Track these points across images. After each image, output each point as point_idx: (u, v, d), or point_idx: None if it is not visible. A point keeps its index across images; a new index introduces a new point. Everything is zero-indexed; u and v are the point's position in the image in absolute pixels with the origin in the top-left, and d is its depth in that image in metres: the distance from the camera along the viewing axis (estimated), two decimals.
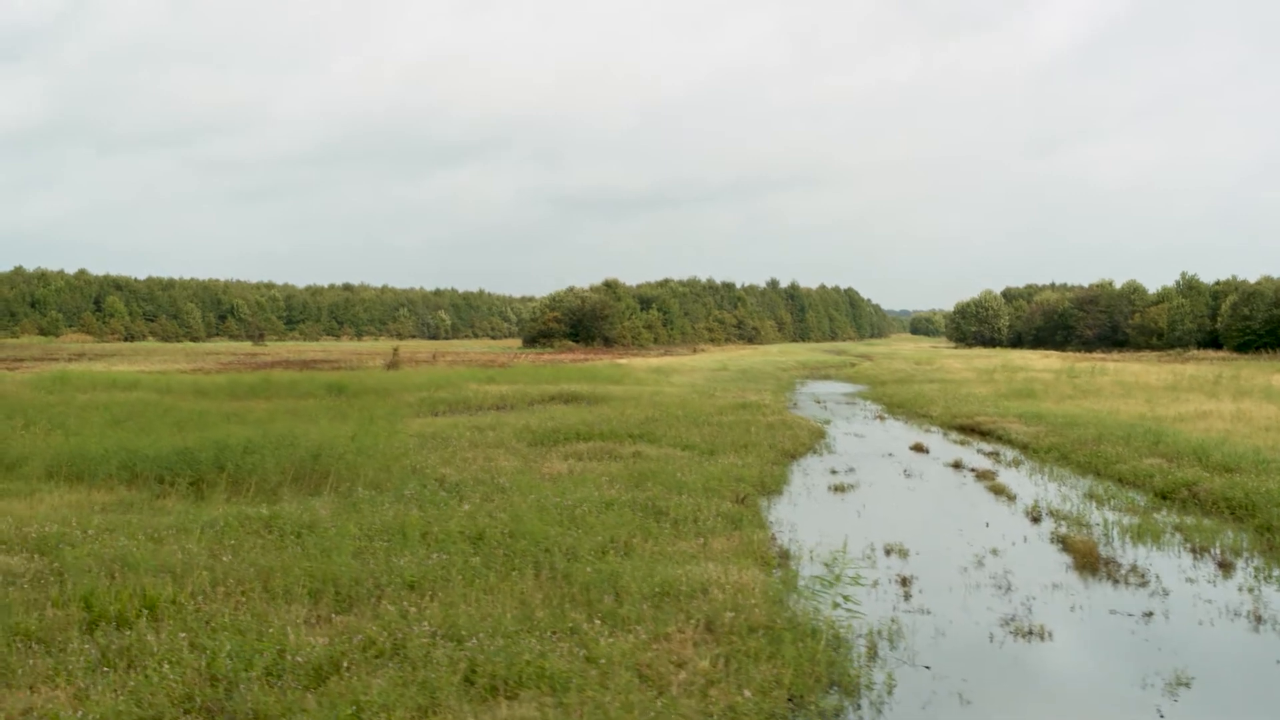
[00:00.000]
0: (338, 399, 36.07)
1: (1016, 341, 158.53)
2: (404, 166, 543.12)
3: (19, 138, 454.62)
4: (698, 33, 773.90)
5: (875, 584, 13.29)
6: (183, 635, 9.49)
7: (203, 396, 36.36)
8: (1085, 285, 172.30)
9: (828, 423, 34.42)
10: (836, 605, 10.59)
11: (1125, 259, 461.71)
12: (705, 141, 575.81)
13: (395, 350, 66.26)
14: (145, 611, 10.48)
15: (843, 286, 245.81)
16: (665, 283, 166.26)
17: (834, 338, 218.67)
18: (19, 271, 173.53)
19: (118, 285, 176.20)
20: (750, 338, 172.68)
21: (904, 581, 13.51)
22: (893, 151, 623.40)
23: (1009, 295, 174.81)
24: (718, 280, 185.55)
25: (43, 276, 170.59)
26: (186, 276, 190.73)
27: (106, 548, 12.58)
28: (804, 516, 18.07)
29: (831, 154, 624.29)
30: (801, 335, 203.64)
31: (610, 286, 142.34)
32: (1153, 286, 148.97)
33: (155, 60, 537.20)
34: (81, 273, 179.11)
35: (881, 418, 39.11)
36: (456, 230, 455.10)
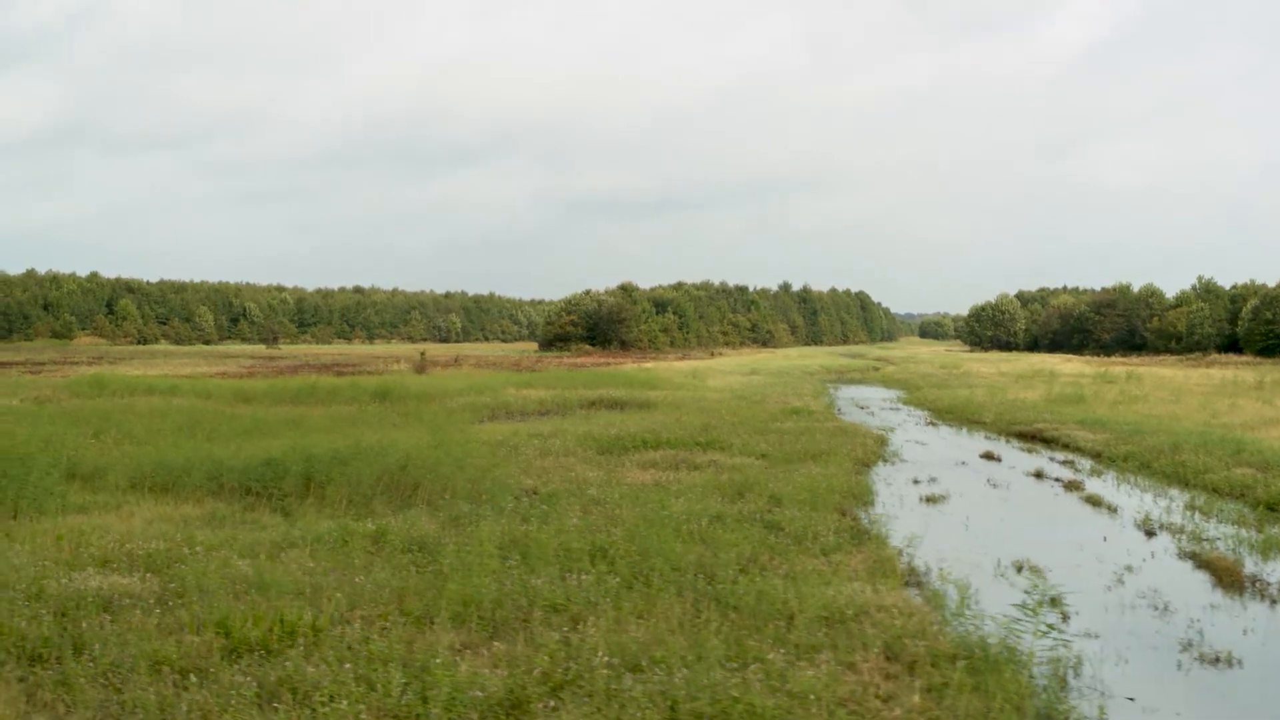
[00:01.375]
0: (382, 404, 35.45)
1: (1033, 345, 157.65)
2: (412, 169, 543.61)
3: (29, 139, 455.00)
4: (712, 37, 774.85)
5: (1027, 605, 12.60)
6: (347, 666, 8.84)
7: (247, 402, 35.75)
8: (1098, 289, 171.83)
9: (891, 430, 33.69)
10: (1042, 634, 9.89)
11: (1132, 261, 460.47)
12: (715, 145, 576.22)
13: (422, 354, 65.67)
14: (286, 637, 9.89)
15: (850, 289, 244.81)
16: (679, 286, 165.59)
17: (845, 341, 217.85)
18: (31, 274, 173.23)
19: (130, 288, 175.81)
20: (764, 341, 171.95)
21: (1053, 601, 12.82)
22: (902, 155, 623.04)
23: (1023, 299, 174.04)
24: (730, 283, 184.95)
25: (54, 279, 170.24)
26: (195, 279, 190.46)
27: (224, 567, 11.95)
28: (911, 530, 17.38)
29: (841, 157, 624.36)
30: (814, 339, 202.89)
31: (626, 290, 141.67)
32: (1163, 289, 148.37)
33: (167, 62, 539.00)
34: (93, 275, 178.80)
35: (933, 424, 38.42)
36: (464, 233, 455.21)
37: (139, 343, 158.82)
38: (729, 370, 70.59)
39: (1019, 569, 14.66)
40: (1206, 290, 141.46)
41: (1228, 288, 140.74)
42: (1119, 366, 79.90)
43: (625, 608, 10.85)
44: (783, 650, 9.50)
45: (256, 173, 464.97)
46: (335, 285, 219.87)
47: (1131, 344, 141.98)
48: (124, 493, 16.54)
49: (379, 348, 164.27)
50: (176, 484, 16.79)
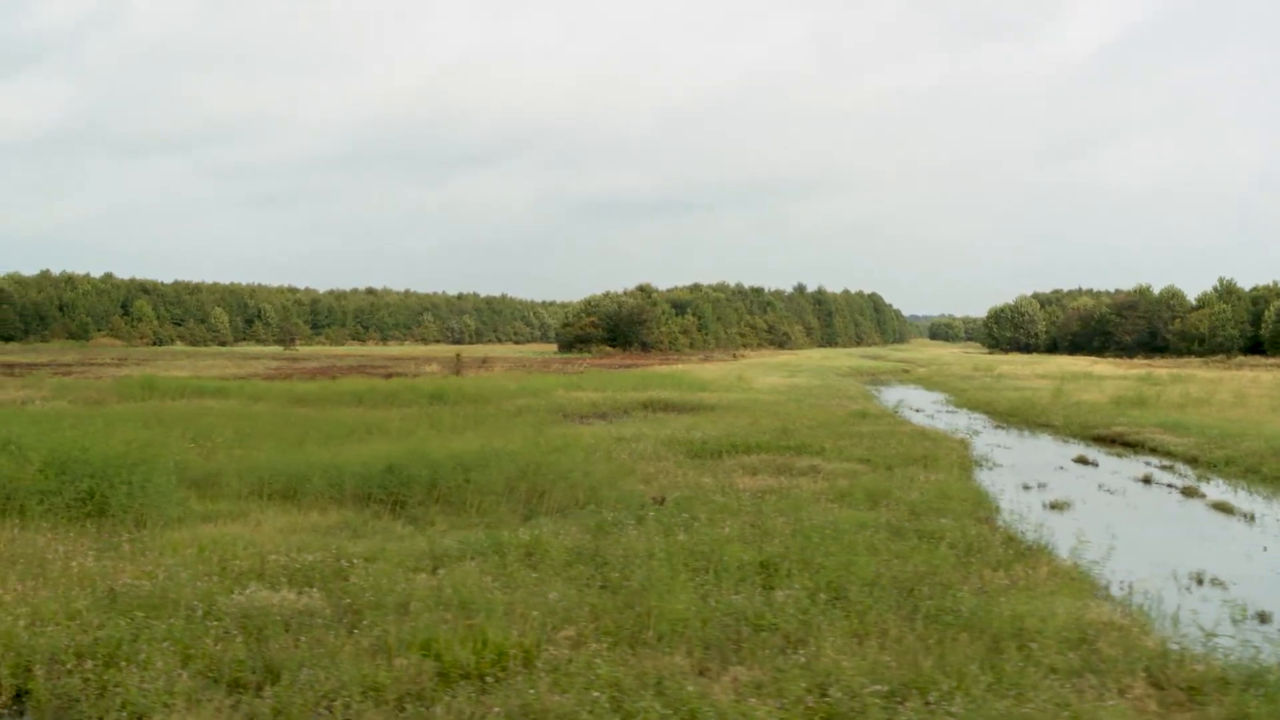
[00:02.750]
0: (440, 406, 34.75)
1: (1052, 347, 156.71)
2: (419, 171, 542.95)
3: (40, 141, 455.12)
4: (720, 38, 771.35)
5: (1234, 620, 11.85)
6: (595, 694, 8.10)
7: (302, 404, 35.04)
8: (1111, 290, 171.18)
9: (976, 433, 32.91)
10: None
11: (1141, 263, 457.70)
12: (722, 146, 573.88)
13: (458, 356, 64.96)
14: (497, 660, 9.16)
15: (862, 291, 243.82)
16: (696, 288, 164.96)
17: (860, 342, 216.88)
18: (45, 275, 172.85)
19: (145, 289, 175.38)
20: (781, 343, 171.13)
21: (1261, 617, 12.07)
22: (907, 156, 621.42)
23: (1040, 301, 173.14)
24: (746, 285, 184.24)
25: (69, 280, 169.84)
26: (203, 280, 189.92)
27: (395, 581, 11.23)
28: (1062, 539, 16.61)
29: (847, 158, 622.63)
30: (829, 340, 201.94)
31: (644, 291, 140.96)
32: (1184, 291, 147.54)
33: (179, 64, 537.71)
34: (108, 276, 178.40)
35: (1001, 427, 37.63)
36: (471, 235, 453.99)
37: (154, 344, 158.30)
38: (766, 373, 69.79)
39: (1199, 581, 13.91)
40: (1228, 292, 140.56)
41: (1247, 289, 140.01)
42: (1151, 369, 79.05)
43: (840, 627, 10.12)
44: (1039, 674, 8.75)
45: (266, 175, 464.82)
46: (342, 287, 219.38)
47: (1153, 346, 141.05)
48: (244, 500, 15.82)
49: (393, 349, 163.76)
50: (297, 491, 16.06)
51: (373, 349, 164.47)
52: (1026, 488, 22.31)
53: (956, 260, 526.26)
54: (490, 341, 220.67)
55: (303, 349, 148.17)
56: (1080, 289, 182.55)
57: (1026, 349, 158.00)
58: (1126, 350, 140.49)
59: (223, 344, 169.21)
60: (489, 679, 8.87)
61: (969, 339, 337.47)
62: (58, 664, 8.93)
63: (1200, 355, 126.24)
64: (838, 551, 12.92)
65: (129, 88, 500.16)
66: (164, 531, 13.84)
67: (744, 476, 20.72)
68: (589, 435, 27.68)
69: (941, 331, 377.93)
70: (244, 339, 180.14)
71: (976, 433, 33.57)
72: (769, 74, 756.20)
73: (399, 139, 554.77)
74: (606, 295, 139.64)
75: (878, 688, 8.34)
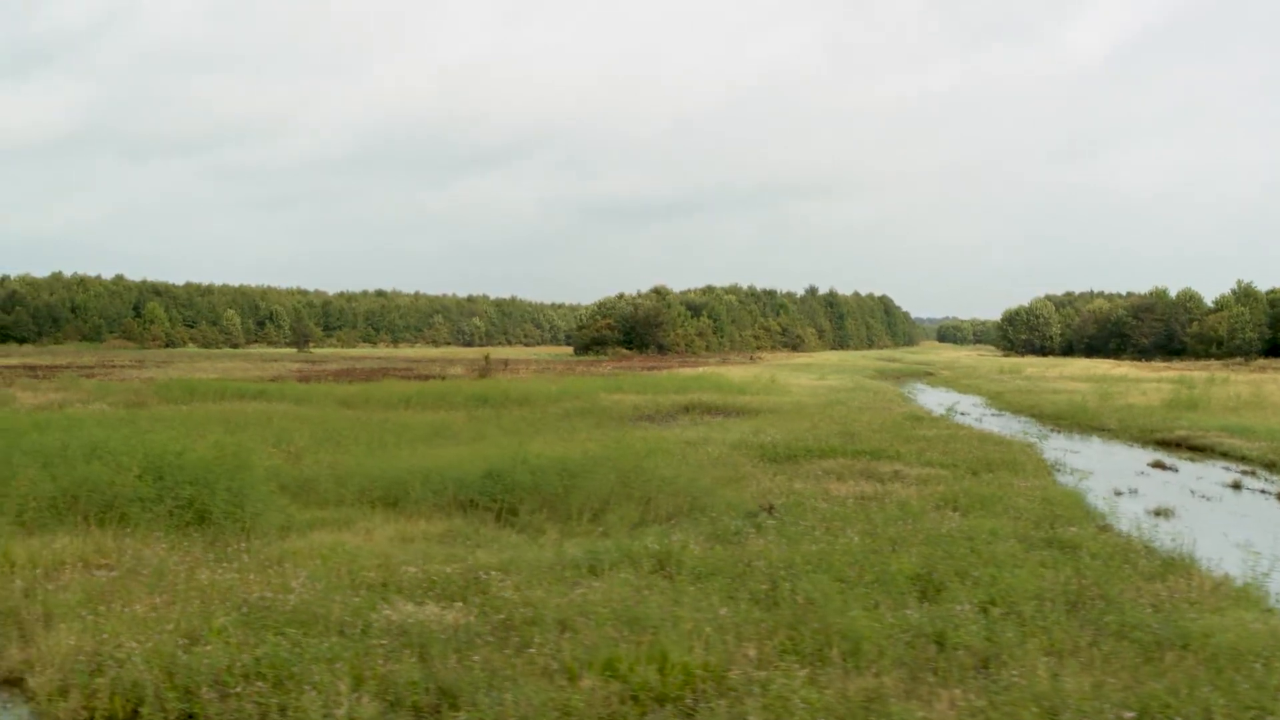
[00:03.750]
0: (486, 408, 34.22)
1: (1067, 350, 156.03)
2: (428, 173, 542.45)
3: (51, 143, 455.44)
4: (736, 41, 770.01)
5: None
6: None
7: (348, 407, 34.48)
8: (1123, 294, 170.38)
9: (1045, 438, 32.29)
10: None
11: (1149, 265, 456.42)
12: (732, 149, 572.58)
13: (487, 358, 64.45)
14: (684, 681, 8.60)
15: (873, 293, 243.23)
16: (709, 289, 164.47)
17: (871, 345, 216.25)
18: (57, 277, 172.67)
19: (156, 291, 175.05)
20: (794, 345, 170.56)
21: None
22: (917, 159, 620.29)
23: (1055, 303, 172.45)
24: (758, 287, 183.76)
25: (81, 282, 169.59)
26: (213, 282, 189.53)
27: (546, 594, 10.68)
28: (1206, 547, 16.00)
29: (857, 162, 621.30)
30: (840, 343, 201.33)
31: (659, 293, 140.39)
32: (1201, 293, 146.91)
33: (188, 66, 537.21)
34: (119, 278, 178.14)
35: (1056, 431, 36.98)
36: (477, 237, 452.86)
37: (166, 345, 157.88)
38: (794, 375, 69.18)
39: None
40: (1245, 294, 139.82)
41: (1265, 292, 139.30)
42: (1184, 371, 78.34)
43: (1030, 645, 9.53)
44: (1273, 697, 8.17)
45: (275, 178, 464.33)
46: (347, 288, 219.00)
47: (1170, 348, 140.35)
48: (343, 507, 15.25)
49: (405, 351, 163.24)
50: (397, 497, 15.49)
51: (385, 351, 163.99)
52: (1118, 494, 21.69)
53: (962, 263, 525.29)
54: (500, 344, 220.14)
55: (317, 351, 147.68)
56: (1092, 291, 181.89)
57: (1042, 351, 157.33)
58: (1143, 353, 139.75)
59: (235, 346, 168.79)
60: (685, 702, 8.32)
61: (977, 341, 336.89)
62: (222, 686, 8.38)
63: (1219, 358, 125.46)
64: (980, 563, 12.35)
65: (139, 89, 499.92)
66: (276, 541, 13.29)
67: (834, 482, 20.13)
68: (654, 439, 27.10)
69: (950, 334, 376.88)
70: (256, 341, 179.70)
71: (1045, 436, 32.93)
72: (780, 77, 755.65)
73: (407, 141, 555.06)
74: (620, 297, 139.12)
75: (1129, 714, 7.75)
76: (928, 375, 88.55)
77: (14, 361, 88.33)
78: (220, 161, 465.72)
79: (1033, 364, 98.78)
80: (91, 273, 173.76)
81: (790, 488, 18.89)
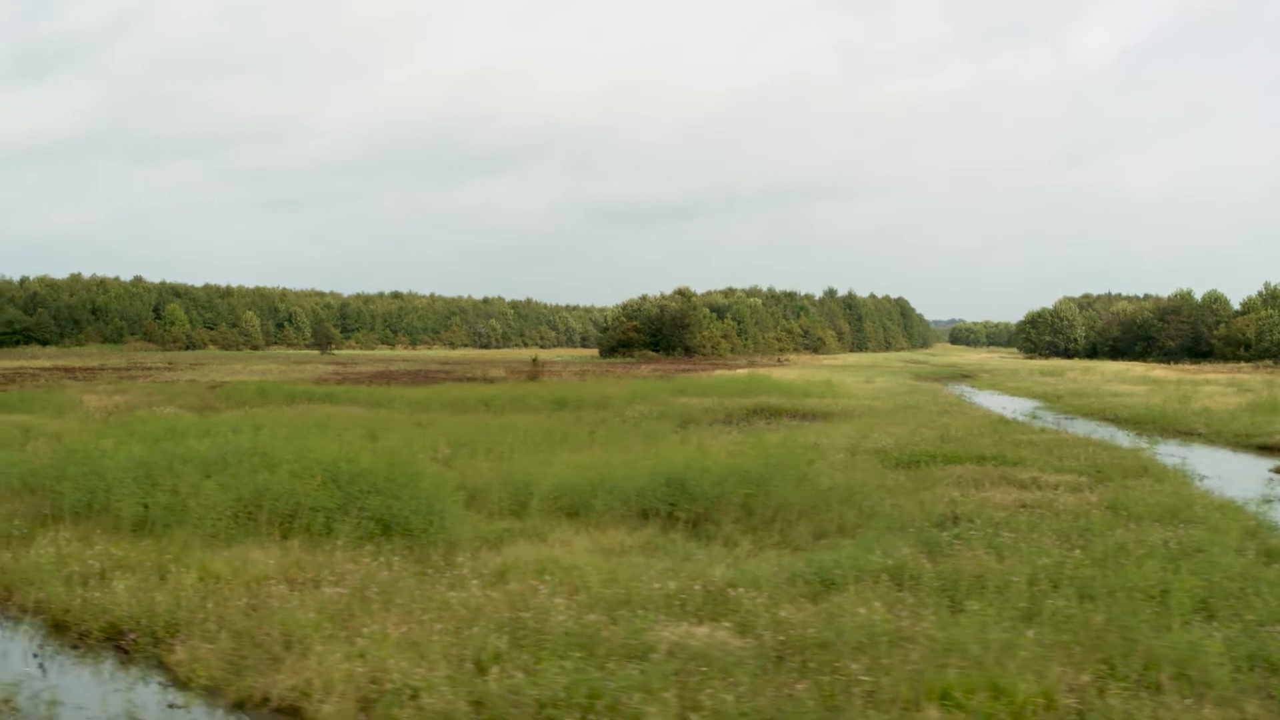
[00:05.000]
0: (565, 412, 33.63)
1: (1091, 352, 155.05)
2: (436, 176, 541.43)
3: (61, 144, 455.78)
4: (747, 44, 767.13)
5: None
6: None
7: (425, 409, 33.90)
8: (1140, 295, 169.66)
9: (1154, 443, 31.58)
10: None
11: (1156, 268, 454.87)
12: (742, 151, 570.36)
13: (535, 360, 63.79)
14: (1018, 713, 7.96)
15: (889, 296, 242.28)
16: (730, 291, 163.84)
17: (888, 347, 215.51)
18: (76, 279, 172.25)
19: (176, 292, 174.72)
20: (815, 348, 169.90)
21: None
22: (925, 162, 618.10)
23: (1079, 305, 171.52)
24: (776, 289, 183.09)
25: (101, 284, 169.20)
26: (231, 284, 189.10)
27: (799, 613, 10.05)
28: None
29: (865, 164, 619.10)
30: (859, 345, 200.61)
31: (684, 295, 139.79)
32: (1228, 296, 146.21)
33: (200, 69, 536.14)
34: (138, 280, 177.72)
35: (1142, 435, 36.25)
36: (486, 239, 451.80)
37: (186, 347, 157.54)
38: (844, 377, 68.48)
39: None
40: (1273, 296, 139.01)
41: None
42: (1234, 374, 77.56)
43: None
44: None
45: (283, 180, 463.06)
46: (351, 290, 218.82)
47: (1197, 351, 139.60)
48: (531, 517, 14.62)
49: (424, 352, 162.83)
50: (578, 507, 14.87)
51: (407, 352, 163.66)
52: (1267, 500, 20.99)
53: (967, 265, 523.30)
54: (516, 345, 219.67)
55: (338, 353, 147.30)
56: (1110, 294, 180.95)
57: (1065, 354, 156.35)
58: (1170, 355, 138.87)
59: (254, 348, 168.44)
60: None
61: (990, 344, 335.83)
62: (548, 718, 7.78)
63: (1248, 360, 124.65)
64: (1231, 578, 11.70)
65: (149, 91, 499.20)
66: (478, 553, 12.67)
67: (988, 489, 19.45)
68: (786, 445, 26.48)
69: (962, 336, 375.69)
70: (275, 343, 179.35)
71: (1154, 442, 32.21)
72: (789, 80, 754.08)
73: (415, 144, 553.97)
74: (645, 299, 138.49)
75: None
76: (964, 378, 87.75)
77: (45, 364, 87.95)
78: (228, 163, 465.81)
79: (1069, 367, 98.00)
80: (95, 274, 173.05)
81: (948, 495, 18.23)
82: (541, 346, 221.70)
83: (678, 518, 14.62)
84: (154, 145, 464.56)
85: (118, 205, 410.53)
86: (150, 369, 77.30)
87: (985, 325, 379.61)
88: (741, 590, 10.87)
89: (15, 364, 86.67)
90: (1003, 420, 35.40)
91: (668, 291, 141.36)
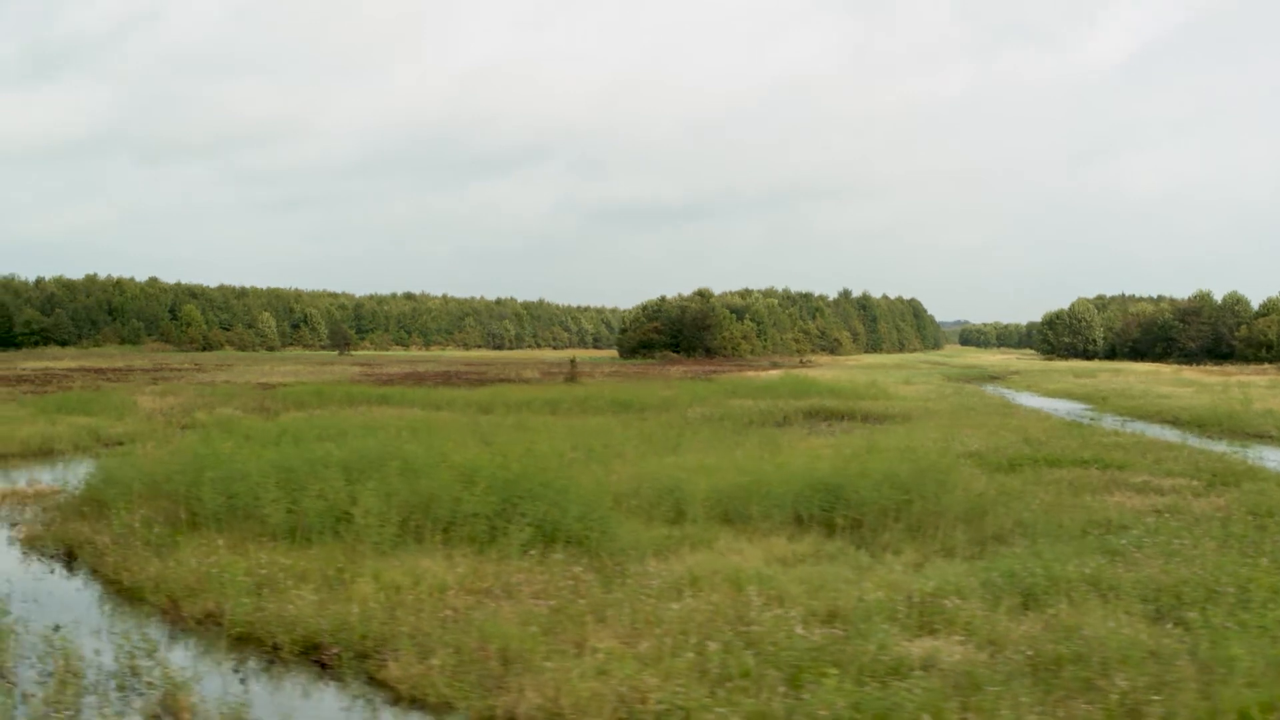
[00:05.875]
0: (630, 413, 33.24)
1: (1110, 354, 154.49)
2: (441, 177, 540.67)
3: (71, 145, 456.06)
4: (752, 45, 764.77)
5: None
6: None
7: (486, 411, 33.53)
8: (1153, 296, 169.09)
9: (1247, 445, 31.11)
10: None
11: (1162, 270, 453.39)
12: (746, 152, 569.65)
13: (573, 361, 63.41)
14: None
15: (902, 297, 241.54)
16: (747, 292, 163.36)
17: (902, 348, 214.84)
18: (92, 279, 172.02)
19: (192, 293, 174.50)
20: (832, 349, 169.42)
21: None
22: (927, 162, 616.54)
23: (1097, 306, 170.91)
24: (793, 290, 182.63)
25: (118, 284, 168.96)
26: (247, 284, 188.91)
27: (1018, 625, 9.65)
28: None
29: (869, 165, 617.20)
30: (874, 346, 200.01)
31: (703, 295, 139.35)
32: (1249, 297, 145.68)
33: (207, 69, 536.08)
34: (153, 280, 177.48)
35: (1209, 438, 35.78)
36: (490, 240, 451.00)
37: (204, 348, 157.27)
38: (877, 378, 68.00)
39: None
40: None
41: None
42: (1260, 375, 77.02)
43: None
44: None
45: (288, 181, 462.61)
46: (353, 291, 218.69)
47: (1218, 352, 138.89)
48: (687, 524, 14.21)
49: (438, 353, 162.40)
50: (738, 514, 14.47)
51: (429, 353, 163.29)
52: None
53: (971, 266, 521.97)
54: (530, 347, 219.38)
55: (357, 354, 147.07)
56: (1124, 295, 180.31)
57: (1085, 355, 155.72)
58: (1190, 357, 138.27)
59: (270, 348, 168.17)
60: None
61: (1001, 344, 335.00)
62: None
63: (1270, 361, 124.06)
64: None
65: (157, 93, 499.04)
66: (653, 562, 12.28)
67: (1111, 494, 19.05)
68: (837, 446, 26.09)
69: (972, 337, 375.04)
70: (291, 344, 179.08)
71: (1247, 444, 31.75)
72: (796, 81, 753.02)
73: (421, 145, 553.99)
74: (664, 300, 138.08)
75: None
76: (993, 379, 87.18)
77: (71, 364, 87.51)
78: (233, 164, 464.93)
79: (1098, 368, 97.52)
80: (110, 274, 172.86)
81: (1074, 501, 17.81)
82: (554, 347, 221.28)
83: (836, 524, 14.21)
84: (160, 146, 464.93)
85: (123, 206, 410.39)
86: (179, 370, 76.93)
87: (995, 326, 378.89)
88: (956, 601, 10.46)
89: (40, 365, 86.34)
90: (1072, 423, 34.96)
91: (674, 292, 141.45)
